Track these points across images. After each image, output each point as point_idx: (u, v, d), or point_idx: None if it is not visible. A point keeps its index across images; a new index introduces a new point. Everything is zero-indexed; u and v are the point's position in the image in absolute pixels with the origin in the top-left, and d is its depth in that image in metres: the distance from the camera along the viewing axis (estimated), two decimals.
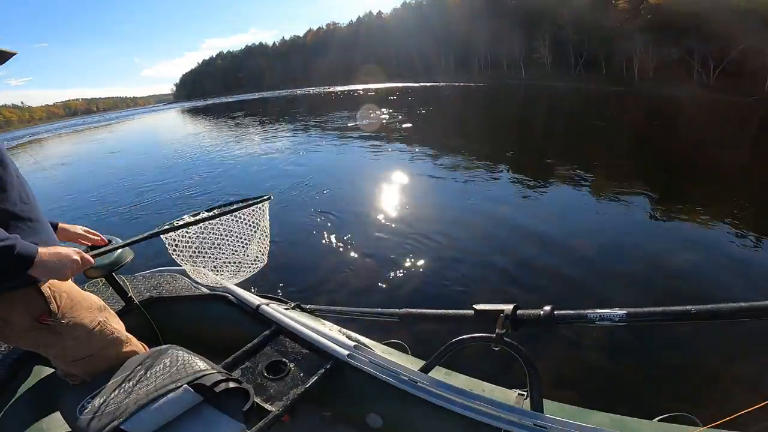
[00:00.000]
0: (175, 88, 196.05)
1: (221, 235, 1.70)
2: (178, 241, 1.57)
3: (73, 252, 1.05)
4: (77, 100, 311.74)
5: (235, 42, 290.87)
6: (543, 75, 65.94)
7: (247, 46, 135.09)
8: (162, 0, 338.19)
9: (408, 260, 3.67)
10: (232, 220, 1.71)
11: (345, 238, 4.23)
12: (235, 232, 1.74)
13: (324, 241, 4.25)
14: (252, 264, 1.86)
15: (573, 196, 5.41)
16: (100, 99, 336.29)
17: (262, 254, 1.88)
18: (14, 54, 1.03)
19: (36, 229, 1.08)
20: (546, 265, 3.56)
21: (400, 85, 48.66)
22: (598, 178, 6.15)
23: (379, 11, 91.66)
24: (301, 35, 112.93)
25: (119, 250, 1.49)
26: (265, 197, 1.79)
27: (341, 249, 4.06)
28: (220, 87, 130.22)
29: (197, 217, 1.59)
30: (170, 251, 1.58)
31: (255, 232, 1.79)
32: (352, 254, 3.91)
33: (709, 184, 6.20)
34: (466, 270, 3.51)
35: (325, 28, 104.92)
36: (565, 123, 13.90)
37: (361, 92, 32.45)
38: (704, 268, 3.53)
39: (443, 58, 73.81)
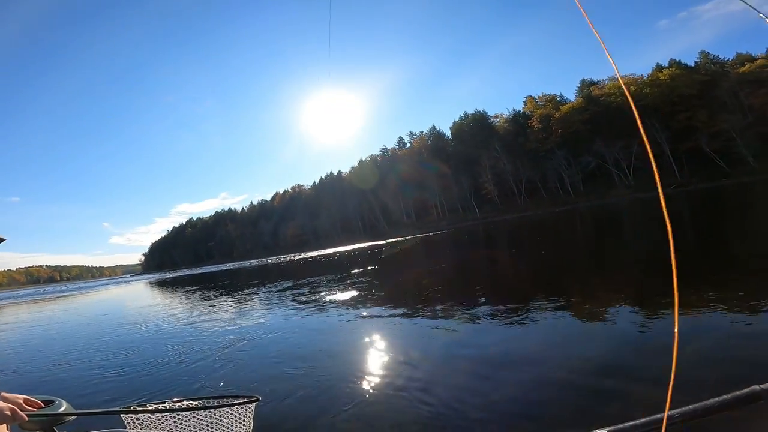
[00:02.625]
0: (144, 258, 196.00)
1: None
2: (145, 425, 1.46)
3: (6, 407, 1.25)
4: (41, 267, 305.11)
5: (205, 207, 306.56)
6: (494, 210, 72.39)
7: (217, 212, 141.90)
8: (135, 168, 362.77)
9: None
10: (208, 418, 1.50)
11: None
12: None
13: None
14: None
15: (559, 322, 5.01)
16: (66, 267, 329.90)
17: None
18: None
19: None
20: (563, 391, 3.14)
21: (367, 244, 50.93)
22: (573, 299, 6.06)
23: (339, 171, 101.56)
24: (269, 199, 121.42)
25: (62, 408, 1.49)
26: (252, 398, 1.58)
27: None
28: (190, 257, 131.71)
29: (167, 406, 1.49)
30: None
31: None
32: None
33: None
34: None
35: (290, 191, 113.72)
36: (523, 253, 14.40)
37: (330, 257, 33.64)
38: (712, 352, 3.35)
39: (403, 213, 79.97)
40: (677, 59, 61.65)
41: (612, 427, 0.77)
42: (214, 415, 1.51)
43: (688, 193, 36.90)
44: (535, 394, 3.11)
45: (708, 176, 50.51)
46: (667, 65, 61.73)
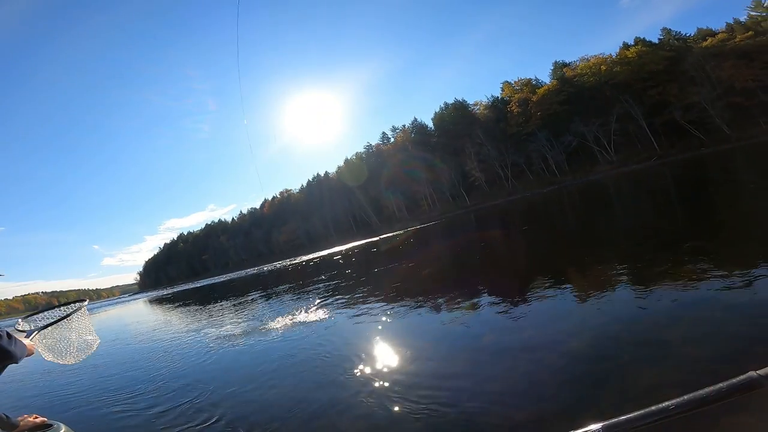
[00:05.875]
0: (139, 277, 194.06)
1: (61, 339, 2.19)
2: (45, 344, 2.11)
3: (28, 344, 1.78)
4: (37, 294, 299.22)
5: (194, 220, 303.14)
6: (483, 196, 73.44)
7: (207, 224, 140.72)
8: (118, 187, 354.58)
9: None
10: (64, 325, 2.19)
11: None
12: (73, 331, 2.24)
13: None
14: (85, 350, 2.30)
15: (560, 301, 4.93)
16: (63, 292, 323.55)
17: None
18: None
19: None
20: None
21: (361, 242, 51.71)
22: (572, 277, 5.97)
23: (326, 172, 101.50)
24: (258, 207, 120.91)
25: (61, 431, 1.82)
26: (81, 300, 2.30)
27: None
28: (186, 271, 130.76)
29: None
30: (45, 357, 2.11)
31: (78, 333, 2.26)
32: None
33: (670, 246, 6.31)
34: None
35: (279, 196, 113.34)
36: (517, 237, 14.32)
37: (325, 257, 34.15)
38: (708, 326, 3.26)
39: (394, 207, 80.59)
40: (642, 37, 63.01)
41: (606, 422, 0.76)
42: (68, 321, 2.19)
43: (670, 165, 37.92)
44: (531, 383, 3.09)
45: (686, 147, 52.05)
46: (632, 43, 63.13)
